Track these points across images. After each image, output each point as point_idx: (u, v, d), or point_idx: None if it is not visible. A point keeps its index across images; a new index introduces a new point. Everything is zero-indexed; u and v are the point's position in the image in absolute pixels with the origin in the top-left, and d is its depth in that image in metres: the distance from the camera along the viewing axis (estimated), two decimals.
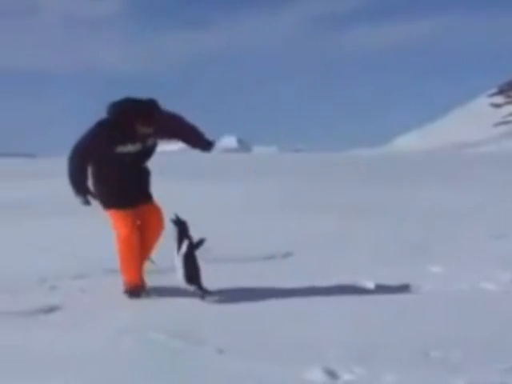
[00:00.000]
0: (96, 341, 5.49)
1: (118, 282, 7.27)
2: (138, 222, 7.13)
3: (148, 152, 7.15)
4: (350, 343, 5.44)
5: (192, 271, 6.84)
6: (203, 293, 6.82)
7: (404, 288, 7.44)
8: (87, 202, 6.93)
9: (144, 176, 7.30)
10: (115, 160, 6.88)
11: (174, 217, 7.01)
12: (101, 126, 6.83)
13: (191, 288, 6.83)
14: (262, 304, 6.74)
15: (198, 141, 7.32)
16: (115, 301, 6.95)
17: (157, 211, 7.25)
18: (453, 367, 4.93)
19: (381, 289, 7.40)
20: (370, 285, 7.52)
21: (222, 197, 19.05)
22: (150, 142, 7.05)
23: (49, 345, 5.41)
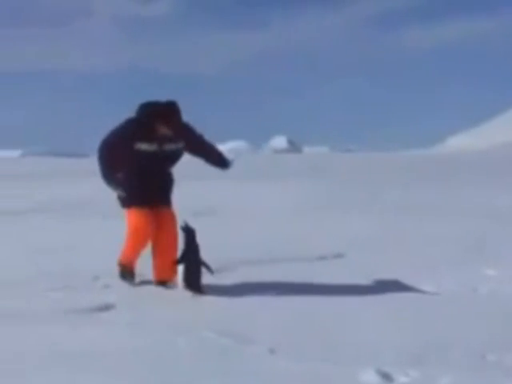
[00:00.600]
0: (149, 339, 5.49)
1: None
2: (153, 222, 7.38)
3: (166, 156, 7.32)
4: (404, 345, 5.37)
5: (193, 277, 7.10)
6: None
7: (459, 290, 7.34)
8: (123, 194, 7.22)
9: (164, 181, 7.56)
10: (134, 157, 7.14)
11: (183, 224, 7.25)
12: (126, 123, 7.17)
13: (190, 292, 7.07)
14: (314, 304, 6.69)
15: (220, 159, 7.72)
16: (167, 299, 6.98)
17: (171, 217, 7.53)
18: (509, 371, 4.84)
19: (435, 291, 7.31)
20: (424, 286, 7.43)
21: (273, 198, 19.08)
22: (168, 146, 7.25)
23: (102, 343, 5.42)
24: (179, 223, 7.37)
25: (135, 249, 7.49)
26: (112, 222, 13.00)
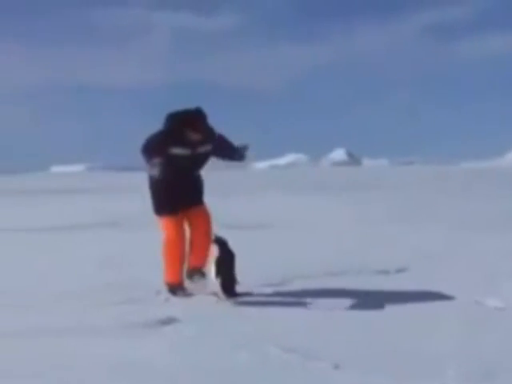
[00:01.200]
0: (211, 353, 5.49)
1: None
2: (185, 227, 7.81)
3: (198, 159, 7.73)
4: (470, 360, 5.28)
5: (229, 283, 7.38)
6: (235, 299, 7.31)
7: None
8: (158, 174, 7.41)
9: (196, 183, 7.94)
10: (169, 162, 7.43)
11: (215, 237, 7.57)
12: (159, 131, 7.59)
13: (225, 297, 7.32)
14: (378, 318, 6.63)
15: (235, 153, 7.98)
16: (230, 313, 6.97)
17: (205, 215, 7.92)
18: None
19: (501, 305, 7.17)
20: (490, 301, 7.30)
21: (332, 211, 19.02)
22: (199, 149, 7.67)
23: (165, 356, 5.45)
24: (214, 236, 7.62)
25: (175, 264, 7.77)
26: None
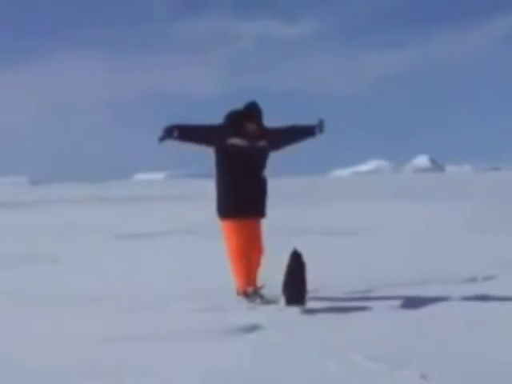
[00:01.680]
0: (297, 361, 5.44)
1: (318, 304, 7.22)
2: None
3: (257, 153, 7.78)
4: None
5: (299, 294, 7.21)
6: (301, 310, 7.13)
7: None
8: (162, 139, 7.66)
9: (264, 189, 7.92)
10: (228, 152, 7.67)
11: (293, 250, 7.41)
12: (221, 124, 7.77)
13: (296, 308, 7.16)
14: (467, 328, 6.45)
15: (307, 130, 8.06)
16: (314, 321, 6.90)
17: (262, 233, 7.91)
18: None
19: None
20: None
21: (415, 218, 18.79)
22: (257, 143, 7.77)
23: (251, 364, 5.41)
24: (293, 247, 7.47)
25: (246, 271, 7.77)
26: None
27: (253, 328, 6.54)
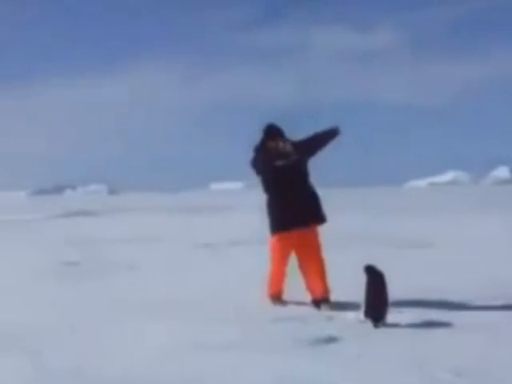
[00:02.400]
0: (378, 374, 5.37)
1: (396, 317, 7.14)
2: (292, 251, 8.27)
3: (292, 168, 8.02)
4: None
5: (377, 311, 7.08)
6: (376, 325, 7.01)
7: None
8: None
9: (303, 196, 8.11)
10: (270, 174, 8.09)
11: (369, 266, 7.33)
12: (254, 150, 8.26)
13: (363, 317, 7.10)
14: None
15: (328, 134, 8.14)
16: (392, 333, 6.81)
17: (314, 240, 8.21)
18: None
19: None
20: None
21: (495, 230, 18.44)
22: (290, 158, 8.04)
23: (331, 376, 5.38)
24: (368, 264, 7.39)
25: (277, 280, 8.41)
26: (333, 253, 13.10)
27: (331, 339, 6.50)
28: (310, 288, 8.16)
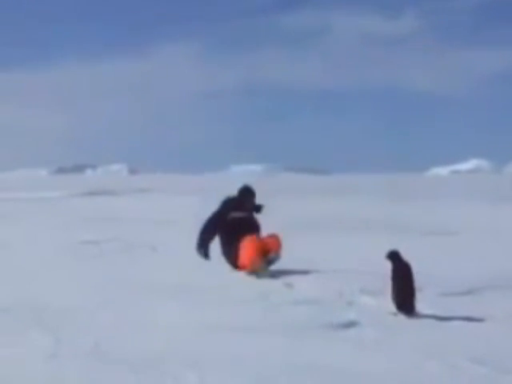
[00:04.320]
0: (398, 361, 5.32)
1: (418, 304, 7.07)
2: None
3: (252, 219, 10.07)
4: None
5: (404, 298, 6.97)
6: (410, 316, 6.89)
7: None
8: (205, 256, 9.68)
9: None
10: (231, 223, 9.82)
11: (393, 252, 7.18)
12: (221, 206, 10.14)
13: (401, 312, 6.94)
14: None
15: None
16: (411, 321, 6.75)
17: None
18: None
19: None
20: None
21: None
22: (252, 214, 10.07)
23: (352, 361, 5.33)
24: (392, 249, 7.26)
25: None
26: (356, 239, 13.08)
27: (352, 324, 6.46)
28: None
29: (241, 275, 9.11)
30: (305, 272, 9.06)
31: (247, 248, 9.43)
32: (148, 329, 6.27)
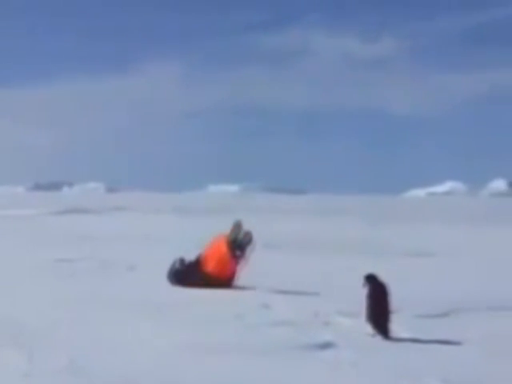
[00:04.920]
0: (373, 382, 5.36)
1: (394, 325, 7.10)
2: None
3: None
4: None
5: (378, 318, 6.98)
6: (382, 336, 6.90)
7: None
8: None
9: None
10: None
11: (370, 275, 7.20)
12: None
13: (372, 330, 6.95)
14: None
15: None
16: (387, 342, 6.79)
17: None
18: None
19: None
20: None
21: (491, 243, 18.46)
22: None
23: (325, 381, 5.35)
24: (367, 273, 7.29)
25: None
26: (332, 260, 13.12)
27: (328, 345, 6.48)
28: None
29: (219, 295, 9.12)
30: (281, 292, 9.09)
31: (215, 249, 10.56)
32: (123, 347, 6.25)
